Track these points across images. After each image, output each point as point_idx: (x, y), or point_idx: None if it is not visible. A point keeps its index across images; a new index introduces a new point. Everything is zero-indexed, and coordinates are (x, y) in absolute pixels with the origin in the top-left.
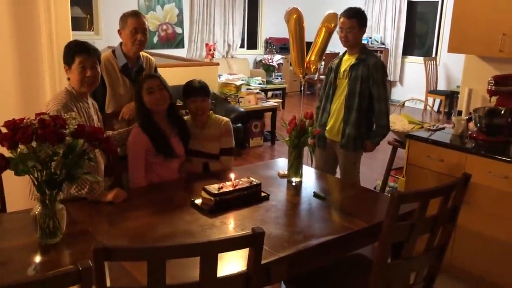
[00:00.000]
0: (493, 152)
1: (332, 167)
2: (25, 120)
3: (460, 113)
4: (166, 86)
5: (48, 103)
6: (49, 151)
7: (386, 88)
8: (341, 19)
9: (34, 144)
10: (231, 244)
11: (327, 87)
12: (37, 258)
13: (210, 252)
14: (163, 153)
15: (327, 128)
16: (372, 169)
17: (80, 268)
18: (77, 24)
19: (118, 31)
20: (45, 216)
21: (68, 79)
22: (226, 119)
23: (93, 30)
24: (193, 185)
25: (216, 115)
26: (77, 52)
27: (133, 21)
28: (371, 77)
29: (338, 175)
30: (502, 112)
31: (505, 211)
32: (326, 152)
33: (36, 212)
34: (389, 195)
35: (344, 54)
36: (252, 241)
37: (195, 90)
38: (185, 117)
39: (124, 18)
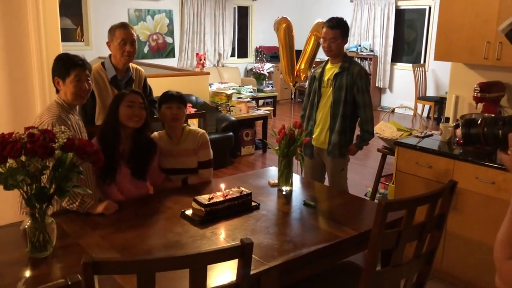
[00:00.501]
0: (480, 158)
1: (321, 175)
2: (13, 135)
3: (447, 119)
4: (146, 108)
5: (41, 116)
6: (38, 165)
7: (370, 95)
8: (324, 29)
9: (23, 158)
10: (220, 255)
11: (311, 95)
12: (27, 272)
13: (198, 264)
14: (102, 174)
15: (314, 136)
16: (362, 176)
17: (70, 283)
18: (67, 35)
19: (107, 43)
20: (35, 229)
21: (57, 91)
22: (202, 130)
23: (83, 41)
24: (184, 196)
25: (191, 128)
26: (73, 66)
27: (121, 33)
28: (355, 85)
29: (326, 182)
30: (479, 122)
31: (492, 216)
32: (314, 160)
33: (26, 226)
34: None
35: (326, 62)
36: (240, 252)
37: (172, 97)
38: (158, 133)
39: (112, 30)
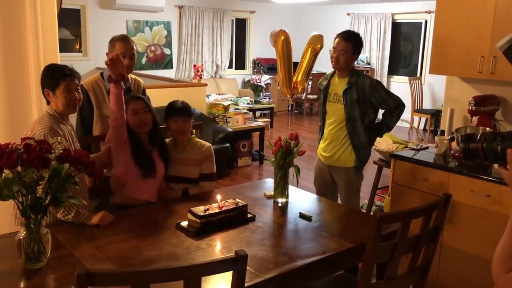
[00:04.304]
0: (475, 171)
1: (333, 193)
2: (10, 145)
3: (443, 132)
4: (151, 109)
5: (33, 127)
6: (34, 175)
7: (390, 92)
8: (336, 40)
9: (19, 168)
10: (214, 267)
11: (320, 107)
12: (21, 283)
13: (193, 275)
14: (144, 170)
15: (325, 154)
16: None
17: None
18: (65, 46)
19: (107, 54)
20: (29, 240)
21: (48, 102)
22: (208, 144)
23: (81, 52)
24: (179, 207)
25: (198, 140)
26: (62, 76)
27: (121, 46)
28: (372, 98)
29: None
30: (478, 137)
31: (488, 229)
32: (324, 177)
33: (21, 237)
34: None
35: (332, 75)
36: (235, 264)
37: (177, 110)
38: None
39: (113, 42)
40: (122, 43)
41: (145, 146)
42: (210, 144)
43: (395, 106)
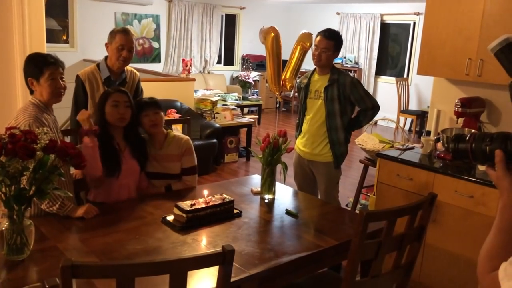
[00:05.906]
0: (460, 172)
1: (313, 187)
2: None
3: (429, 133)
4: (132, 105)
5: (17, 116)
6: (18, 166)
7: (369, 93)
8: (318, 38)
9: (3, 158)
10: (201, 262)
11: (299, 105)
12: (2, 275)
13: (179, 269)
14: (106, 168)
15: (303, 148)
16: (344, 187)
17: (47, 286)
18: (52, 36)
19: (106, 44)
20: (12, 232)
21: (31, 92)
22: (186, 137)
23: (68, 43)
24: (165, 201)
25: (175, 134)
26: (46, 65)
27: (121, 38)
28: (352, 96)
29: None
30: (467, 137)
31: (470, 230)
32: (304, 171)
33: (3, 228)
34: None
35: (313, 73)
36: (221, 259)
37: (146, 104)
38: (143, 136)
39: (113, 33)
40: (122, 35)
41: (116, 143)
42: (187, 137)
43: (371, 107)
